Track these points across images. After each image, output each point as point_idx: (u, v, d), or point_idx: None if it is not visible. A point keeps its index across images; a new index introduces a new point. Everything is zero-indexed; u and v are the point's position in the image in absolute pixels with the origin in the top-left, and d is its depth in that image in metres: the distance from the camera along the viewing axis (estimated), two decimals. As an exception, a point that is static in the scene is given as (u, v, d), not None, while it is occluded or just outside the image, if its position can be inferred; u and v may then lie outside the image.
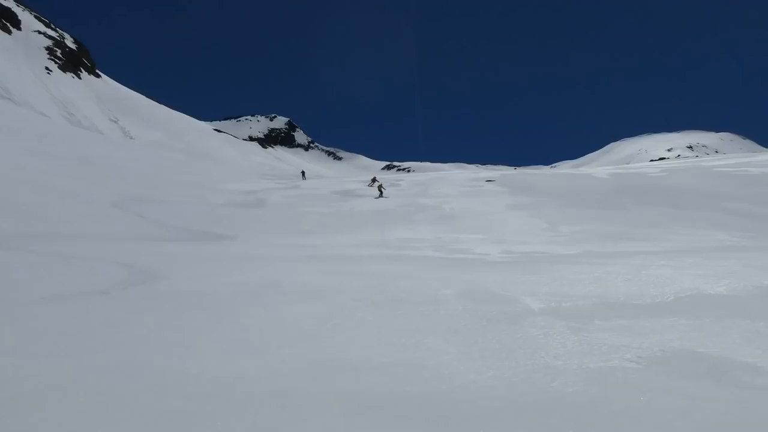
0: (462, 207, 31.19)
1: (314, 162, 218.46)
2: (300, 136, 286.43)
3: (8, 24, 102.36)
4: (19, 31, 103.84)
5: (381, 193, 36.45)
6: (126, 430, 3.89)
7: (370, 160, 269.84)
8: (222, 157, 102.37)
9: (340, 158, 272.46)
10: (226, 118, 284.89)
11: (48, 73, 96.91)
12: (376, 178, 43.31)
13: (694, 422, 4.10)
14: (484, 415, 4.22)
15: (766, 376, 5.04)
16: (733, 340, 6.12)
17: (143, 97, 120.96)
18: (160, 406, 4.28)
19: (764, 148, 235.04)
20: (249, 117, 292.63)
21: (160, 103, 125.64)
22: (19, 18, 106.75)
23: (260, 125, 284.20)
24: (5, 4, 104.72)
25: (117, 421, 4.01)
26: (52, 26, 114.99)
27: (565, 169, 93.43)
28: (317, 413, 4.22)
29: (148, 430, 3.90)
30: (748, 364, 5.32)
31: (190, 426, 3.97)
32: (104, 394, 4.47)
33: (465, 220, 27.47)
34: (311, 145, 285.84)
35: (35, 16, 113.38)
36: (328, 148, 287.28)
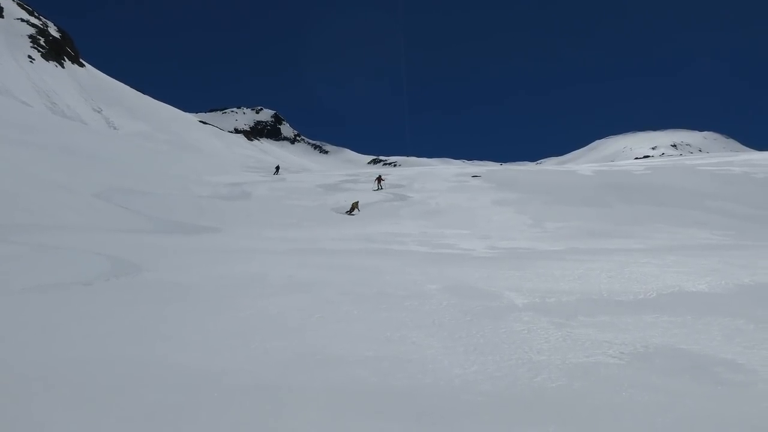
0: (448, 202, 31.25)
1: (300, 155, 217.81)
2: (286, 129, 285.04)
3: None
4: (1, 19, 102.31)
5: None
6: (109, 422, 3.87)
7: (357, 154, 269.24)
8: (207, 148, 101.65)
9: (326, 152, 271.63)
10: (211, 110, 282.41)
11: (31, 61, 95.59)
12: (382, 177, 38.58)
13: (675, 417, 4.15)
14: (468, 409, 4.24)
15: (745, 372, 5.11)
16: (713, 336, 6.20)
17: (128, 87, 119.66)
18: (144, 398, 4.26)
19: (747, 148, 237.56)
20: (235, 109, 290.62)
21: (144, 93, 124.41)
22: (2, 5, 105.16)
23: (246, 117, 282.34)
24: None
25: (100, 413, 3.99)
26: (36, 14, 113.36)
27: (550, 165, 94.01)
28: (302, 406, 4.22)
29: (131, 422, 3.88)
30: (727, 361, 5.40)
31: (175, 418, 3.96)
32: (88, 386, 4.44)
33: (450, 215, 27.54)
34: (297, 138, 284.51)
35: (18, 4, 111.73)
36: (314, 142, 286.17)
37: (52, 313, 6.69)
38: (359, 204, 29.84)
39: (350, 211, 28.91)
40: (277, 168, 52.43)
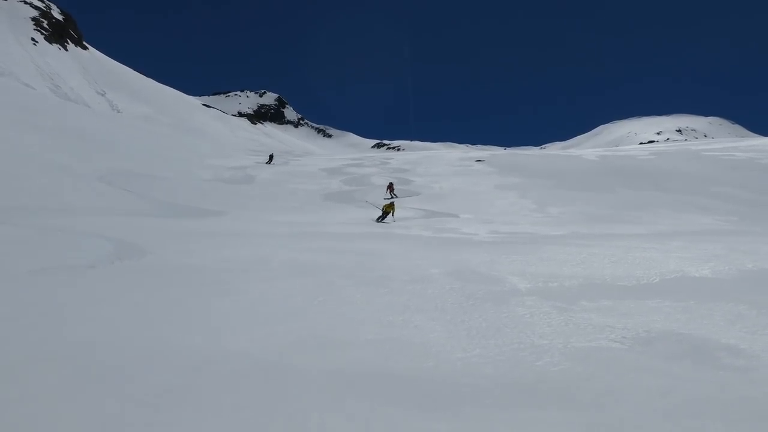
0: (451, 186, 31.22)
1: (303, 139, 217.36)
2: (290, 113, 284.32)
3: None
4: (4, 1, 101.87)
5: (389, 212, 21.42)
6: (113, 402, 3.90)
7: (360, 137, 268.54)
8: (210, 132, 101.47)
9: (329, 135, 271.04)
10: (215, 93, 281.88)
11: (34, 44, 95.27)
12: (393, 186, 29.57)
13: (676, 401, 4.17)
14: (470, 392, 4.26)
15: (746, 357, 5.12)
16: (716, 322, 6.21)
17: (131, 70, 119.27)
18: (148, 380, 4.28)
19: (753, 134, 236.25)
20: (238, 92, 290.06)
21: (148, 77, 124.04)
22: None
23: (249, 101, 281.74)
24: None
25: (104, 394, 4.02)
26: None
27: (554, 150, 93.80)
28: (305, 389, 4.24)
29: (135, 403, 3.91)
30: (729, 346, 5.41)
31: (178, 399, 3.99)
32: (93, 368, 4.47)
33: (454, 200, 27.51)
34: (301, 122, 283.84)
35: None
36: (317, 126, 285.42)
37: (57, 295, 6.72)
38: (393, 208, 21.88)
39: (382, 217, 21.20)
40: (271, 157, 44.53)
